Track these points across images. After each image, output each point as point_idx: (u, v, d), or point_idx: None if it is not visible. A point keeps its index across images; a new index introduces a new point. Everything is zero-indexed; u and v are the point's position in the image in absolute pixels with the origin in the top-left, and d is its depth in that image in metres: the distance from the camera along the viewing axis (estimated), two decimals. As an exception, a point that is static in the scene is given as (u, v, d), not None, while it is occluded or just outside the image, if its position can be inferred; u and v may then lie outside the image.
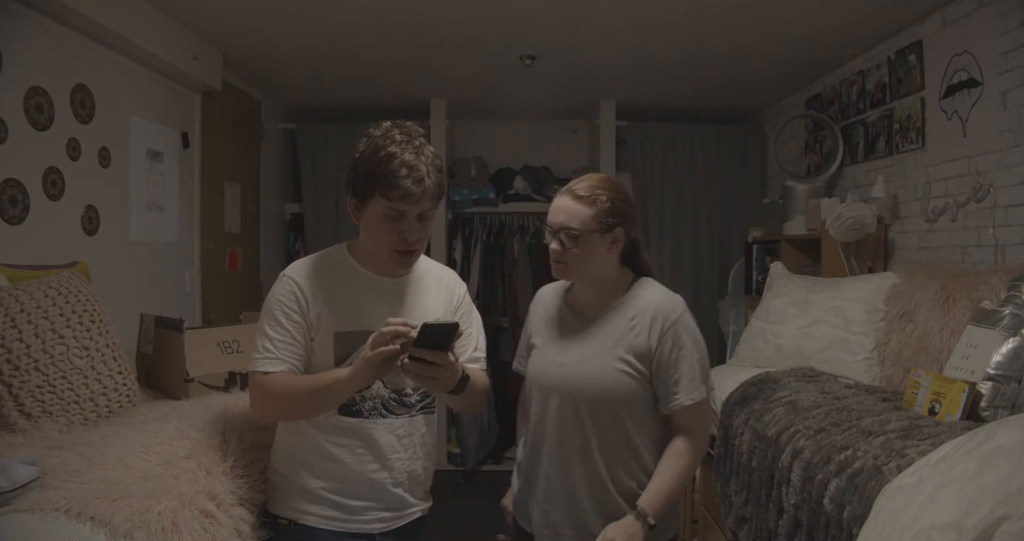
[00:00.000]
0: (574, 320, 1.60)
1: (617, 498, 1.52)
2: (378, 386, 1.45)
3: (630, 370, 1.51)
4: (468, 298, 1.63)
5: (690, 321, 1.54)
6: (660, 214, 4.40)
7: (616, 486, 1.52)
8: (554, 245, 1.53)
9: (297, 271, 1.45)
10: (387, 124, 1.41)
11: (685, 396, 1.49)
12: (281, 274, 1.46)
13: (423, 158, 1.37)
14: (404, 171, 1.33)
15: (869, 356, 2.31)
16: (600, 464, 1.52)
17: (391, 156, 1.34)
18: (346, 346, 1.42)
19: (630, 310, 1.54)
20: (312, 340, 1.42)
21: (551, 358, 1.59)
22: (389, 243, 1.40)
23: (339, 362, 1.42)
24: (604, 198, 1.52)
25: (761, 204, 4.26)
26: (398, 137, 1.37)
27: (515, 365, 1.77)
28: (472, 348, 1.56)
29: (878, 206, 2.96)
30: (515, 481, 1.70)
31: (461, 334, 1.32)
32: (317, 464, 1.44)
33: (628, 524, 1.46)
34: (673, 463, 1.51)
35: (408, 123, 1.42)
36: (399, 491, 1.48)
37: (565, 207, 1.52)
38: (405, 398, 1.48)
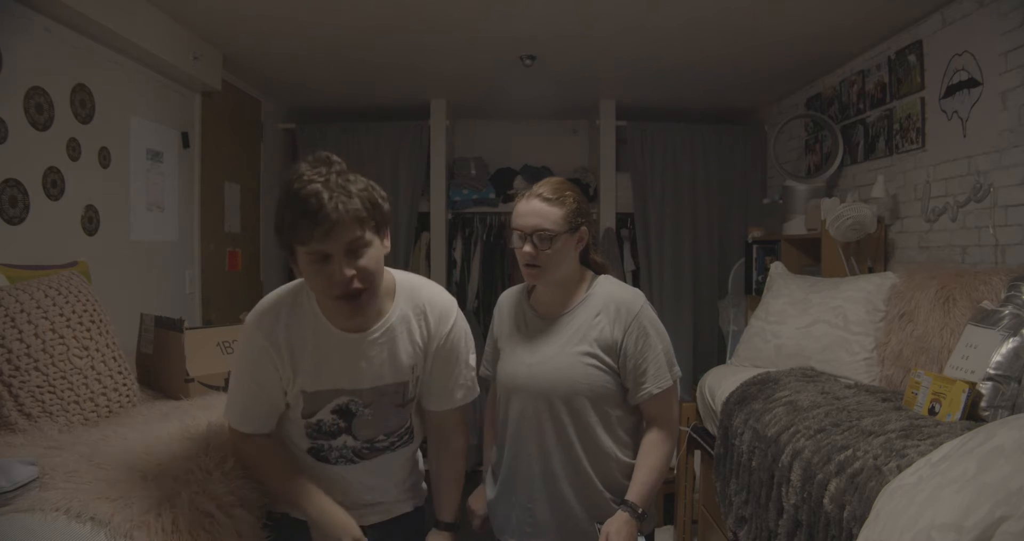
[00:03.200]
0: (539, 322, 1.63)
1: (604, 491, 1.56)
2: (346, 439, 1.42)
3: (599, 364, 1.55)
4: (454, 334, 1.46)
5: (651, 313, 1.60)
6: (660, 214, 4.40)
7: (601, 478, 1.56)
8: (528, 248, 1.53)
9: (262, 326, 1.35)
10: (295, 166, 1.24)
11: (653, 385, 1.55)
12: (248, 325, 1.37)
13: (331, 184, 1.19)
14: (311, 202, 1.16)
15: (869, 356, 2.31)
16: (583, 459, 1.55)
17: (294, 193, 1.18)
18: (315, 404, 1.40)
19: (593, 307, 1.58)
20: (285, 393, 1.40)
21: (520, 360, 1.60)
22: (326, 290, 1.25)
23: (307, 415, 1.40)
24: (571, 199, 1.56)
25: (761, 204, 4.26)
26: (306, 175, 1.20)
27: (482, 371, 1.75)
28: (458, 380, 1.50)
29: (878, 206, 2.96)
30: (490, 487, 1.70)
31: None
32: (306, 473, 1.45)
33: (624, 519, 1.49)
34: (651, 455, 1.56)
35: (326, 154, 1.25)
36: (379, 498, 1.50)
37: (536, 210, 1.53)
38: (378, 444, 1.46)
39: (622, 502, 1.53)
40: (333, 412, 1.40)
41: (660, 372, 1.55)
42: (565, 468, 1.55)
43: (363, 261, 1.23)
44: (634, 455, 1.59)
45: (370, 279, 1.25)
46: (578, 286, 1.62)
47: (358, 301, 1.26)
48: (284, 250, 1.27)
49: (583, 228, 1.58)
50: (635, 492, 1.53)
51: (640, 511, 1.51)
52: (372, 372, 1.38)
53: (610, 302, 1.57)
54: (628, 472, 1.58)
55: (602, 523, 1.51)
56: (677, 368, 1.61)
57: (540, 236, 1.52)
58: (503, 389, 1.64)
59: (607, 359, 1.55)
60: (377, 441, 1.45)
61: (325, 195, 1.17)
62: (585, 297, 1.60)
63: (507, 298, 1.75)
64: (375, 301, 1.31)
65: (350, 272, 1.22)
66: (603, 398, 1.55)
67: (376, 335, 1.37)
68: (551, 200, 1.53)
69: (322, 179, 1.19)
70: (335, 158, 1.24)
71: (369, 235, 1.24)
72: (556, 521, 1.57)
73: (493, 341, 1.74)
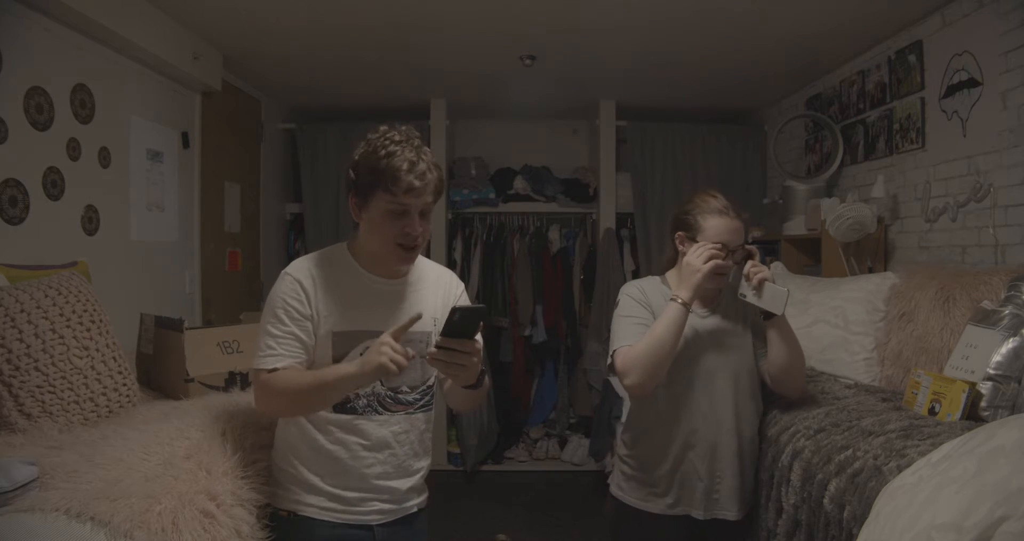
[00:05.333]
0: (700, 310, 1.84)
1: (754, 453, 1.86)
2: (374, 383, 1.47)
3: (753, 341, 1.84)
4: (466, 296, 1.66)
5: None
6: (660, 214, 4.39)
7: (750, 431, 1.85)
8: (725, 264, 1.74)
9: (298, 269, 1.47)
10: (383, 127, 1.44)
11: None
12: (283, 272, 1.48)
13: (423, 155, 1.42)
14: (406, 165, 1.38)
15: (869, 356, 2.30)
16: (752, 425, 1.84)
17: (392, 154, 1.38)
18: (345, 345, 1.45)
19: (731, 296, 1.86)
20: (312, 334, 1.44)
21: (702, 342, 1.79)
22: (392, 238, 1.42)
23: (337, 360, 1.44)
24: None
25: (761, 204, 4.26)
26: (396, 137, 1.41)
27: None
28: None
29: (878, 206, 2.96)
30: (654, 466, 1.81)
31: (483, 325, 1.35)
32: (314, 459, 1.47)
33: None
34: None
35: (403, 126, 1.46)
36: (395, 484, 1.50)
37: (738, 229, 1.77)
38: (401, 396, 1.50)
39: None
40: (363, 354, 1.42)
41: None
42: (742, 435, 1.79)
43: (427, 224, 1.45)
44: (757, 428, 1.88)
45: (425, 240, 1.48)
46: None
47: (412, 252, 1.46)
48: (359, 196, 1.43)
49: None
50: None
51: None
52: (399, 315, 1.47)
53: (732, 290, 1.85)
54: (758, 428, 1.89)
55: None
56: None
57: (737, 253, 1.76)
58: (685, 370, 1.77)
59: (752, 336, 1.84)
60: (401, 392, 1.50)
61: (422, 163, 1.40)
62: (726, 288, 1.86)
63: (652, 292, 1.85)
64: (417, 257, 1.52)
65: (419, 229, 1.42)
66: (756, 370, 1.84)
67: (404, 281, 1.53)
68: (740, 218, 1.79)
69: (414, 147, 1.41)
70: (415, 132, 1.46)
71: (434, 205, 1.46)
72: (738, 485, 1.78)
73: (641, 322, 1.79)
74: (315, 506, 1.46)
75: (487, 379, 1.49)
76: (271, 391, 1.41)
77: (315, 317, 1.44)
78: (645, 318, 1.79)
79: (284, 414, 1.50)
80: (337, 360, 1.44)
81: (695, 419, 1.78)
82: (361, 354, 1.44)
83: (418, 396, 1.53)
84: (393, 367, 1.29)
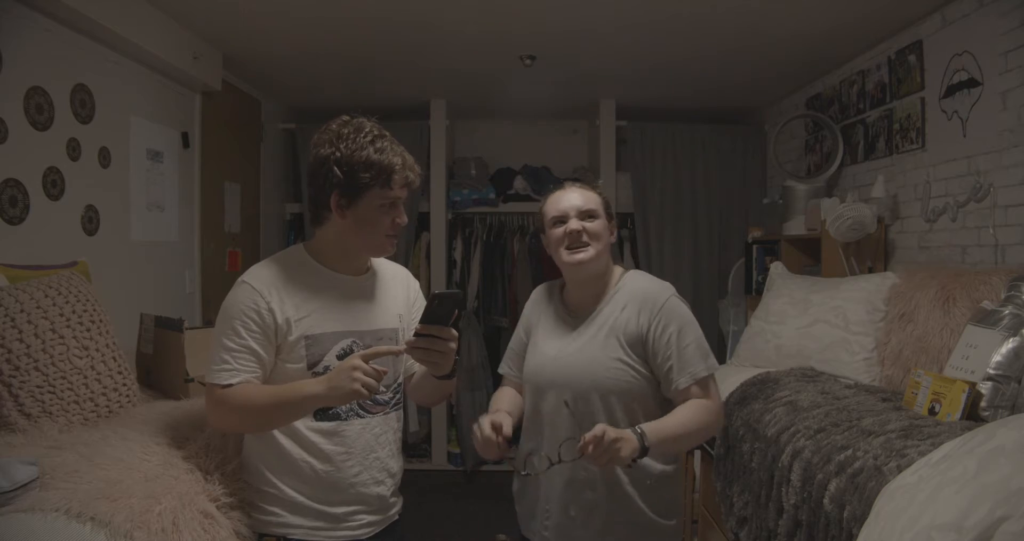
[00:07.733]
0: (570, 318, 1.62)
1: (633, 496, 1.51)
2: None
3: (626, 358, 1.51)
4: (420, 293, 1.66)
5: (679, 305, 1.55)
6: (660, 214, 4.40)
7: (627, 475, 1.50)
8: (575, 225, 1.56)
9: (257, 278, 1.41)
10: (345, 118, 1.46)
11: (682, 377, 1.48)
12: (240, 280, 1.41)
13: (402, 149, 1.47)
14: (399, 161, 1.42)
15: (869, 356, 2.31)
16: None
17: (382, 150, 1.41)
18: (319, 348, 1.41)
19: (620, 300, 1.57)
20: (279, 346, 1.39)
21: (545, 354, 1.60)
22: (384, 231, 1.45)
23: (312, 365, 1.40)
24: (601, 191, 1.66)
25: (761, 204, 4.26)
26: (375, 131, 1.44)
27: (501, 367, 1.76)
28: None
29: (878, 206, 2.96)
30: (514, 490, 1.70)
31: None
32: (295, 476, 1.41)
33: (624, 431, 1.35)
34: (687, 409, 1.46)
35: (366, 119, 1.47)
36: (381, 490, 1.49)
37: (577, 194, 1.61)
38: (378, 396, 1.47)
39: (644, 498, 1.50)
40: (339, 356, 1.42)
41: (689, 364, 1.49)
42: (578, 466, 1.47)
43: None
44: (663, 461, 1.55)
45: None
46: (608, 282, 1.61)
47: (395, 238, 1.50)
48: (346, 195, 1.39)
49: (612, 221, 1.63)
50: (652, 425, 1.39)
51: (645, 437, 1.34)
52: (368, 314, 1.50)
53: (636, 295, 1.55)
54: (655, 474, 1.52)
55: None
56: (713, 360, 1.53)
57: (584, 214, 1.57)
58: (527, 384, 1.63)
59: (633, 353, 1.51)
60: (378, 393, 1.43)
61: (408, 155, 1.46)
62: (615, 292, 1.59)
63: (540, 294, 1.74)
64: None
65: (405, 218, 1.48)
66: (629, 393, 1.50)
67: (370, 275, 1.55)
68: (587, 188, 1.64)
69: (392, 139, 1.45)
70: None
71: None
72: (567, 524, 1.52)
73: (520, 337, 1.72)
74: (303, 526, 1.40)
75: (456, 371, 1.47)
76: (226, 408, 1.36)
77: (281, 326, 1.38)
78: (517, 343, 1.72)
79: (239, 431, 1.47)
80: (312, 365, 1.40)
81: (534, 441, 1.59)
82: (338, 357, 1.41)
83: (391, 395, 1.52)
84: (365, 393, 1.27)
